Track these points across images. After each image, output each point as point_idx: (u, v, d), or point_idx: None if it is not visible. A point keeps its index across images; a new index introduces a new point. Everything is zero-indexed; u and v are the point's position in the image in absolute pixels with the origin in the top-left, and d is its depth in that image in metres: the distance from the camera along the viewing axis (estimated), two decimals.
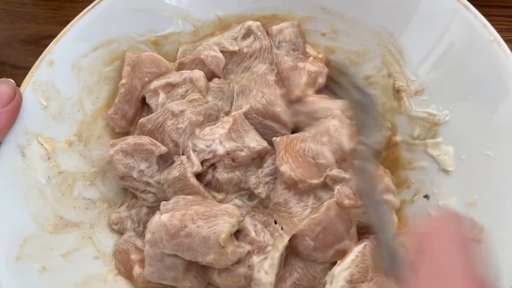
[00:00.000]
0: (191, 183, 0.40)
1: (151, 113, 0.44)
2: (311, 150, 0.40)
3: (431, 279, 0.26)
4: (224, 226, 0.37)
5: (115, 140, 0.43)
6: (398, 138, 0.45)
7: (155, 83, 0.44)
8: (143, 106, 0.47)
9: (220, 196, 0.42)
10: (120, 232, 0.45)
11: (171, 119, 0.42)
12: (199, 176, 0.41)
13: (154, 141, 0.42)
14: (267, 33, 0.47)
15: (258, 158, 0.43)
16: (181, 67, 0.46)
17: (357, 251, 0.37)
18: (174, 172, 0.41)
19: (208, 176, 0.42)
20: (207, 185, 0.42)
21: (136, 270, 0.41)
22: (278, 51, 0.46)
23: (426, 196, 0.41)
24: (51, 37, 0.44)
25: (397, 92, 0.45)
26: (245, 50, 0.46)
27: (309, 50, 0.47)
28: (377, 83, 0.46)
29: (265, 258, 0.39)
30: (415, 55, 0.43)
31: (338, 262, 0.38)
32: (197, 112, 0.42)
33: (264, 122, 0.43)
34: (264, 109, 0.43)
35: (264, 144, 0.42)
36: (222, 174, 0.41)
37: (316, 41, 0.48)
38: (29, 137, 0.41)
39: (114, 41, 0.45)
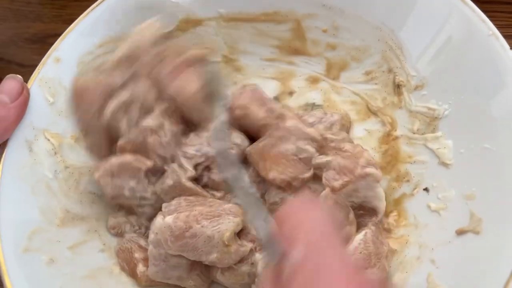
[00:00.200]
0: (188, 187, 0.40)
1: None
2: (290, 150, 0.40)
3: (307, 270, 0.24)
4: (228, 225, 0.37)
5: (97, 164, 0.41)
6: (398, 132, 0.45)
7: (110, 108, 0.40)
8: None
9: (219, 194, 0.42)
10: (119, 235, 0.44)
11: (151, 136, 0.40)
12: (195, 180, 0.41)
13: (139, 156, 0.40)
14: None
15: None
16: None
17: (359, 239, 0.37)
18: (168, 181, 0.40)
19: (205, 179, 0.42)
20: (205, 187, 0.42)
21: (140, 268, 0.41)
22: None
23: (426, 189, 0.42)
24: (56, 35, 0.44)
25: (397, 87, 0.45)
26: None
27: None
28: (378, 78, 0.46)
29: None
30: (415, 51, 0.43)
31: None
32: (175, 121, 0.41)
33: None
34: None
35: (246, 143, 0.42)
36: (217, 175, 0.41)
37: (317, 38, 0.48)
38: (36, 133, 0.42)
39: (118, 39, 0.46)
